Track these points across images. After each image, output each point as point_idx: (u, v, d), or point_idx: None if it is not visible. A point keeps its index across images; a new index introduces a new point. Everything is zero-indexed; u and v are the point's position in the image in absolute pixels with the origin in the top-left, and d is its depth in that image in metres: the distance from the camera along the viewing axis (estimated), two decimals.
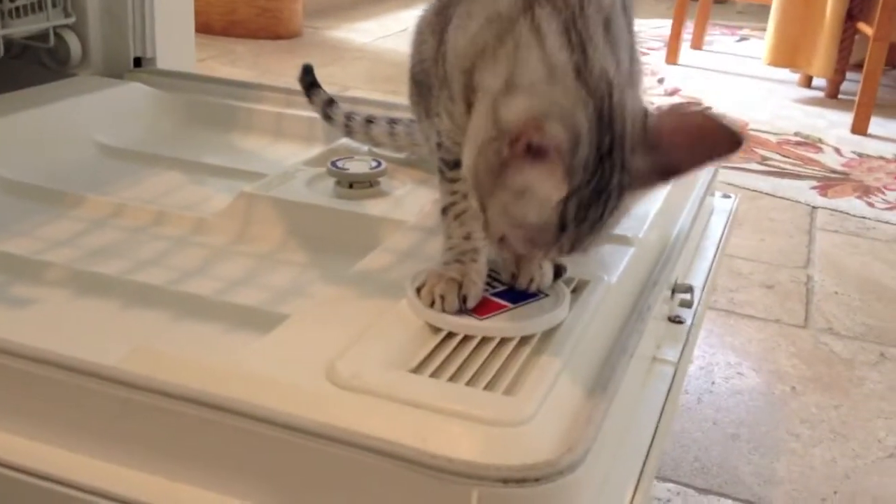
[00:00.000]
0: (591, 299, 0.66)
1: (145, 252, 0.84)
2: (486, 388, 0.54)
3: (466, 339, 0.59)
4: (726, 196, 1.08)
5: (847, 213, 1.87)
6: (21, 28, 1.20)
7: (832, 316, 1.42)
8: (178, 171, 1.05)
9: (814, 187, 2.01)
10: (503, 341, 0.60)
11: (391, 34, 3.33)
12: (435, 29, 0.69)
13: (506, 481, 0.45)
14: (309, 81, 1.04)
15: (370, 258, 0.72)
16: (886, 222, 1.84)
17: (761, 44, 2.95)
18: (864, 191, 2.01)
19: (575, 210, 0.52)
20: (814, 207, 1.90)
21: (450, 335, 0.60)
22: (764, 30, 2.90)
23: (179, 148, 1.11)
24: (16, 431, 0.57)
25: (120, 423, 0.54)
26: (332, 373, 0.54)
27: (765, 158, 2.20)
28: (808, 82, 2.96)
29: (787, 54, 2.81)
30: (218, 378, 0.53)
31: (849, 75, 2.86)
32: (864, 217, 1.86)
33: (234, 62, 2.76)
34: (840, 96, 2.84)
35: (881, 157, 2.28)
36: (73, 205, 0.93)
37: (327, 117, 1.03)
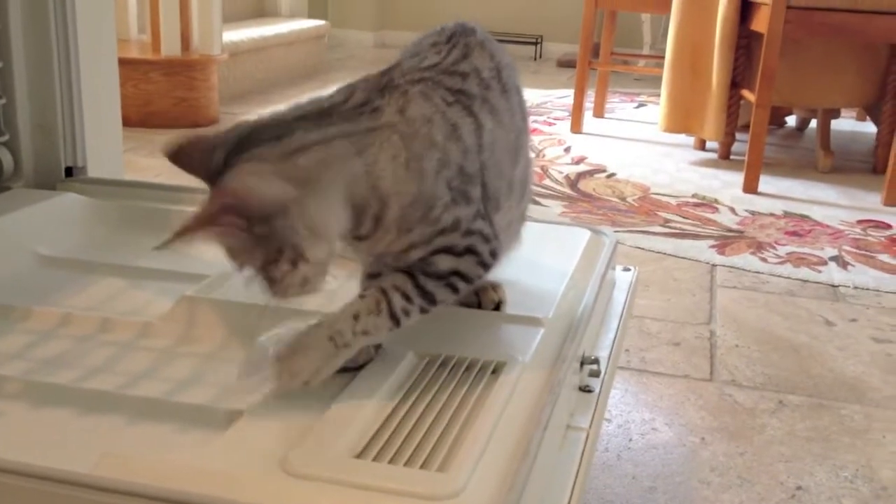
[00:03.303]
0: (508, 379, 0.75)
1: (95, 359, 0.90)
2: (422, 466, 0.62)
3: (403, 421, 0.68)
4: (626, 269, 1.19)
5: (743, 269, 2.02)
6: None
7: (734, 368, 1.55)
8: (117, 276, 1.11)
9: (712, 246, 2.17)
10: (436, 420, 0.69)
11: None
12: None
13: None
14: None
15: None
16: (778, 276, 2.00)
17: (657, 109, 3.16)
18: (758, 247, 2.18)
19: None
20: (713, 265, 2.05)
21: (388, 420, 0.68)
22: (659, 95, 3.11)
23: (117, 254, 1.17)
24: None
25: None
26: (286, 464, 0.61)
27: (667, 220, 2.36)
28: (702, 145, 3.17)
29: (679, 121, 3.01)
30: (186, 477, 0.59)
31: (739, 136, 3.09)
32: (758, 272, 2.01)
33: (154, 153, 2.82)
34: (732, 157, 3.05)
35: (771, 214, 2.47)
36: (20, 318, 0.98)
37: None
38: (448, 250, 0.74)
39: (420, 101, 0.74)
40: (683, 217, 2.40)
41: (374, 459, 0.62)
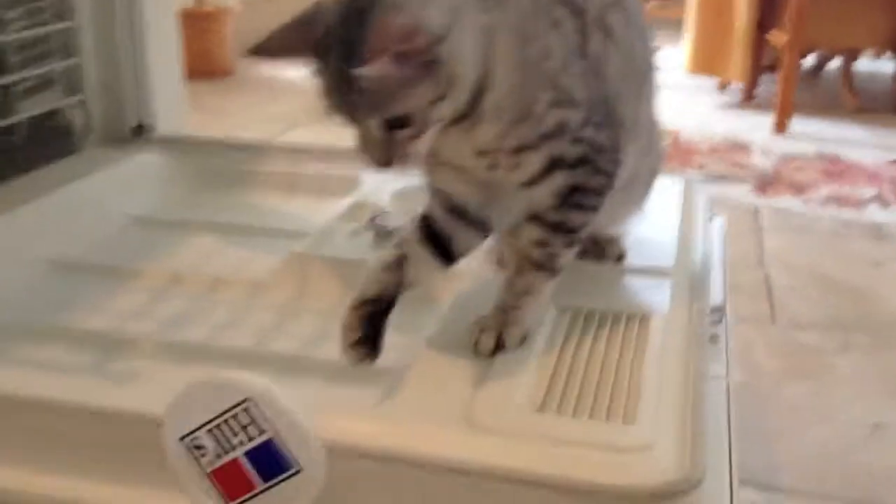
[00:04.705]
0: (654, 330, 0.76)
1: (218, 317, 0.91)
2: (606, 418, 0.63)
3: (569, 374, 0.69)
4: (713, 217, 1.20)
5: (786, 211, 2.04)
6: (35, 110, 1.24)
7: (795, 310, 1.57)
8: (212, 234, 1.11)
9: (752, 189, 2.18)
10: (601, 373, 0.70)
11: None
12: None
13: (655, 497, 0.55)
14: None
15: (445, 310, 0.81)
16: (822, 217, 2.01)
17: (674, 53, 3.14)
18: (798, 189, 2.19)
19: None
20: (756, 208, 2.06)
21: (555, 373, 0.69)
22: (674, 40, 3.10)
23: (205, 212, 1.17)
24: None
25: None
26: (472, 417, 0.62)
27: (701, 165, 2.36)
28: (724, 87, 3.16)
29: (706, 62, 3.00)
30: (378, 432, 0.61)
31: (761, 78, 3.08)
32: (803, 214, 2.03)
33: None
34: (755, 98, 3.05)
35: (805, 155, 2.47)
36: (130, 277, 0.98)
37: None
38: (559, 163, 0.73)
39: None
40: (718, 160, 2.40)
41: (558, 412, 0.64)
